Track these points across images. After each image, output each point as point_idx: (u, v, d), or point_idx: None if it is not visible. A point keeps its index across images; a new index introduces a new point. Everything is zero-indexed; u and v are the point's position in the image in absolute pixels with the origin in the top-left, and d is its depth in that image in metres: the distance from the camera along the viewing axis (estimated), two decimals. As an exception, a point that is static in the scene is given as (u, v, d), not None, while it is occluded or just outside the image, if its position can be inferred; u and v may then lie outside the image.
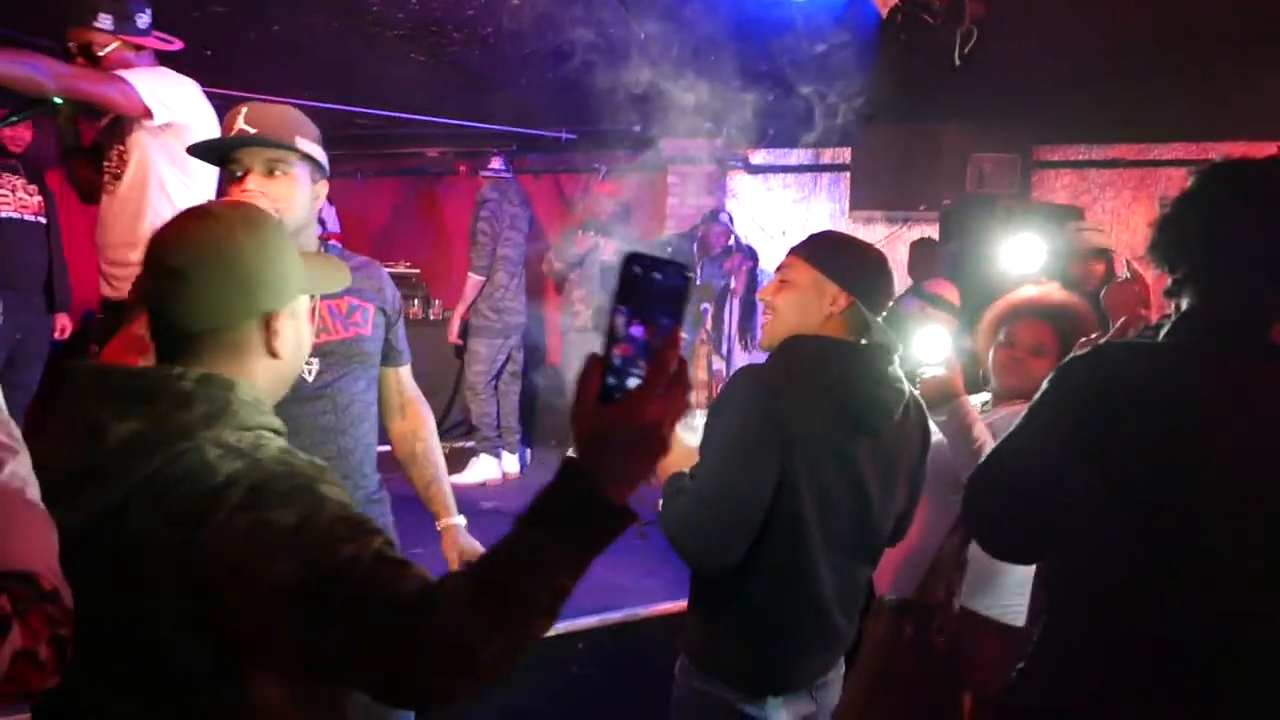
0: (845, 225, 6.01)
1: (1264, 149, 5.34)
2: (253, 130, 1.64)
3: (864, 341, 1.71)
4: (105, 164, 2.68)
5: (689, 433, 1.67)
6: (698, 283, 5.12)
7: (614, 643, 3.23)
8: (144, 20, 2.65)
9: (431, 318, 5.81)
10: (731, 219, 5.35)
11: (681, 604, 3.32)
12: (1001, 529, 1.40)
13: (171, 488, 0.94)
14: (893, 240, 5.95)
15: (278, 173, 1.65)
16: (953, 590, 1.88)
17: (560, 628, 3.18)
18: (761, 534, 1.60)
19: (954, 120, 5.12)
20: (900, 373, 1.74)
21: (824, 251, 1.71)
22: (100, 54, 2.53)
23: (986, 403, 2.28)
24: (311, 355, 1.59)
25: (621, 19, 3.76)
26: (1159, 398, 1.26)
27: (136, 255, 2.73)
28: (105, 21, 2.53)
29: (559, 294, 5.75)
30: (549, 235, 5.89)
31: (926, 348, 2.25)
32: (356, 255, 1.93)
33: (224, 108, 4.79)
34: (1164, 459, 1.23)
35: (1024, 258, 2.82)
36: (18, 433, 0.90)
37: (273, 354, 1.07)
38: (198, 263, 1.02)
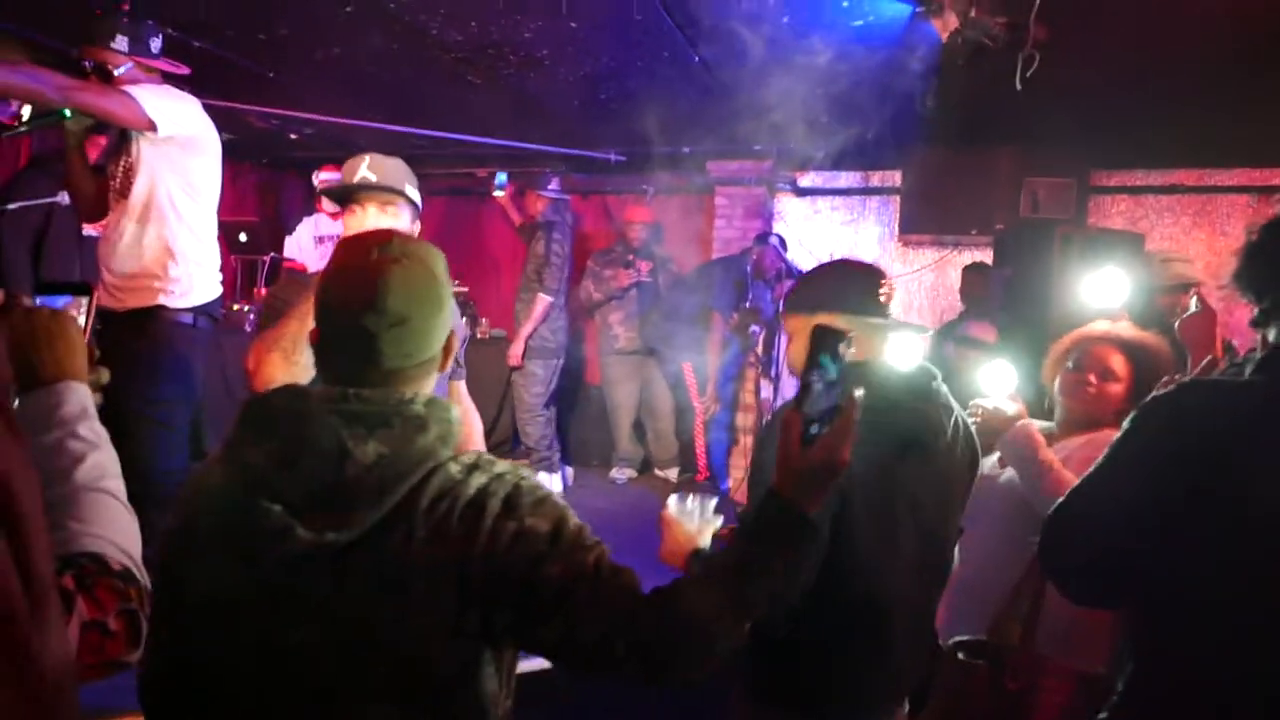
0: (894, 248, 5.97)
1: (1330, 175, 5.21)
2: (374, 177, 2.01)
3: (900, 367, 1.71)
4: (110, 180, 2.75)
5: (685, 517, 1.64)
6: (746, 305, 5.10)
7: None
8: (156, 44, 2.76)
9: (479, 336, 5.86)
10: (783, 242, 5.33)
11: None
12: (1083, 574, 1.35)
13: (432, 505, 1.05)
14: (942, 264, 5.89)
15: (389, 210, 2.04)
16: (1029, 632, 1.82)
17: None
18: (822, 563, 1.57)
19: (1008, 144, 5.06)
20: (945, 390, 1.73)
21: (792, 293, 1.81)
22: (114, 73, 2.62)
23: (1050, 432, 2.23)
24: None
25: (678, 43, 3.77)
26: (1260, 436, 1.22)
27: (141, 267, 2.71)
28: (121, 43, 2.63)
29: (589, 316, 5.80)
30: (591, 255, 5.92)
31: (991, 382, 2.23)
32: None
33: (285, 127, 4.90)
34: (1273, 503, 1.18)
35: (1105, 291, 2.76)
36: (102, 430, 0.98)
37: (444, 369, 1.22)
38: (418, 305, 1.12)
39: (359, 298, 1.09)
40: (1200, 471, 1.21)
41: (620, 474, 5.65)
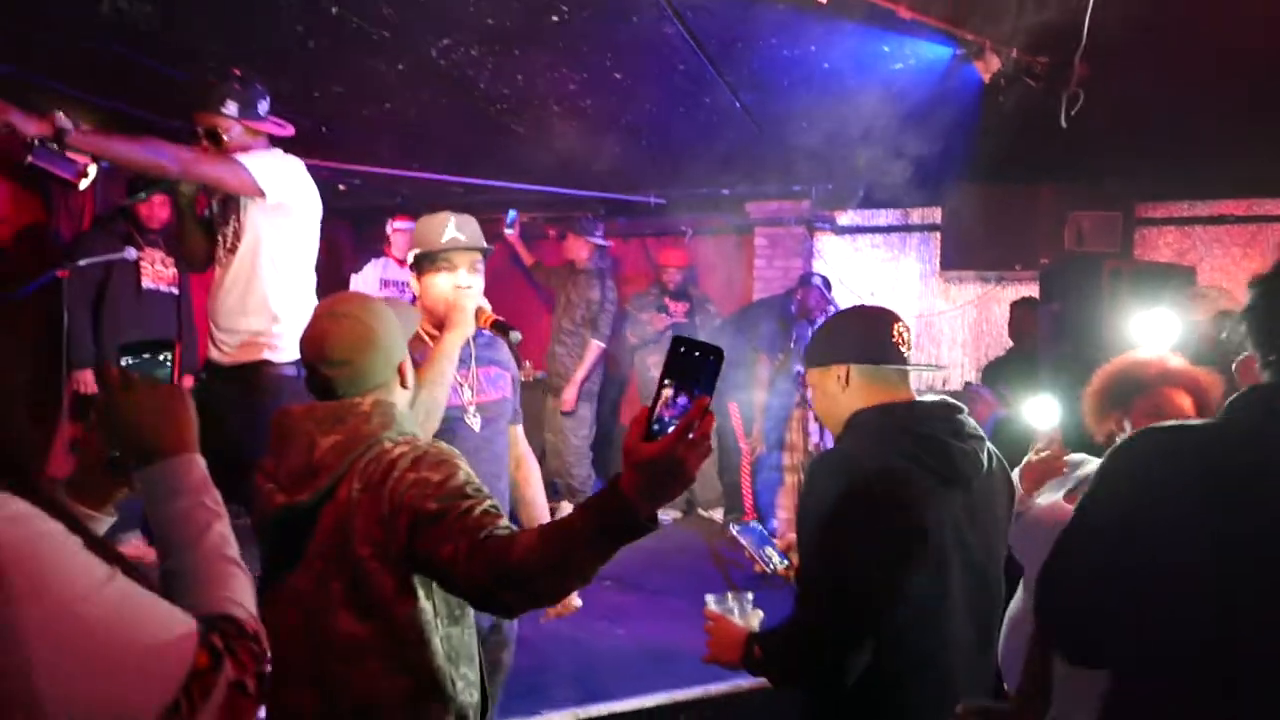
0: (936, 284, 5.94)
1: (1381, 202, 5.11)
2: (463, 237, 2.12)
3: (929, 398, 1.72)
4: (219, 238, 2.85)
5: (728, 614, 1.71)
6: (791, 345, 5.10)
7: (716, 714, 3.17)
8: (264, 106, 2.84)
9: (522, 379, 5.92)
10: (826, 282, 5.33)
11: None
12: (1066, 632, 1.32)
13: (366, 466, 1.43)
14: (986, 300, 5.84)
15: (477, 267, 2.16)
16: (1029, 697, 1.75)
17: (663, 698, 3.15)
18: (884, 612, 1.56)
19: (1050, 178, 5.04)
20: (974, 423, 1.72)
21: (810, 347, 1.83)
22: (224, 137, 2.72)
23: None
24: (475, 412, 2.18)
25: (720, 90, 3.84)
26: (1214, 479, 1.18)
27: (247, 324, 2.89)
28: (231, 108, 2.73)
29: (629, 359, 5.87)
30: (629, 298, 5.98)
31: (1036, 415, 2.22)
32: (484, 332, 2.20)
33: (333, 179, 5.00)
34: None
35: (1156, 331, 2.74)
36: (219, 497, 1.04)
37: (404, 385, 1.60)
38: (357, 352, 1.52)
39: (313, 352, 1.52)
40: (1159, 525, 1.19)
41: (665, 515, 5.64)
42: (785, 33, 3.26)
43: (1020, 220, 5.21)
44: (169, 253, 4.09)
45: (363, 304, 1.57)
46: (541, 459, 5.74)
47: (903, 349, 1.71)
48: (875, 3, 2.90)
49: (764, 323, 5.17)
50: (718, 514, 5.66)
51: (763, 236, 6.05)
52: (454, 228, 2.11)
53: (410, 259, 2.17)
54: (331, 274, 6.38)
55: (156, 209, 3.99)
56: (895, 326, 1.71)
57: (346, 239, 7.03)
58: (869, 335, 1.71)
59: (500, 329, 2.08)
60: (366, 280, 5.69)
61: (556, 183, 5.61)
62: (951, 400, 1.73)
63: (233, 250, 2.79)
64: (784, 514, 5.81)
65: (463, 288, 2.10)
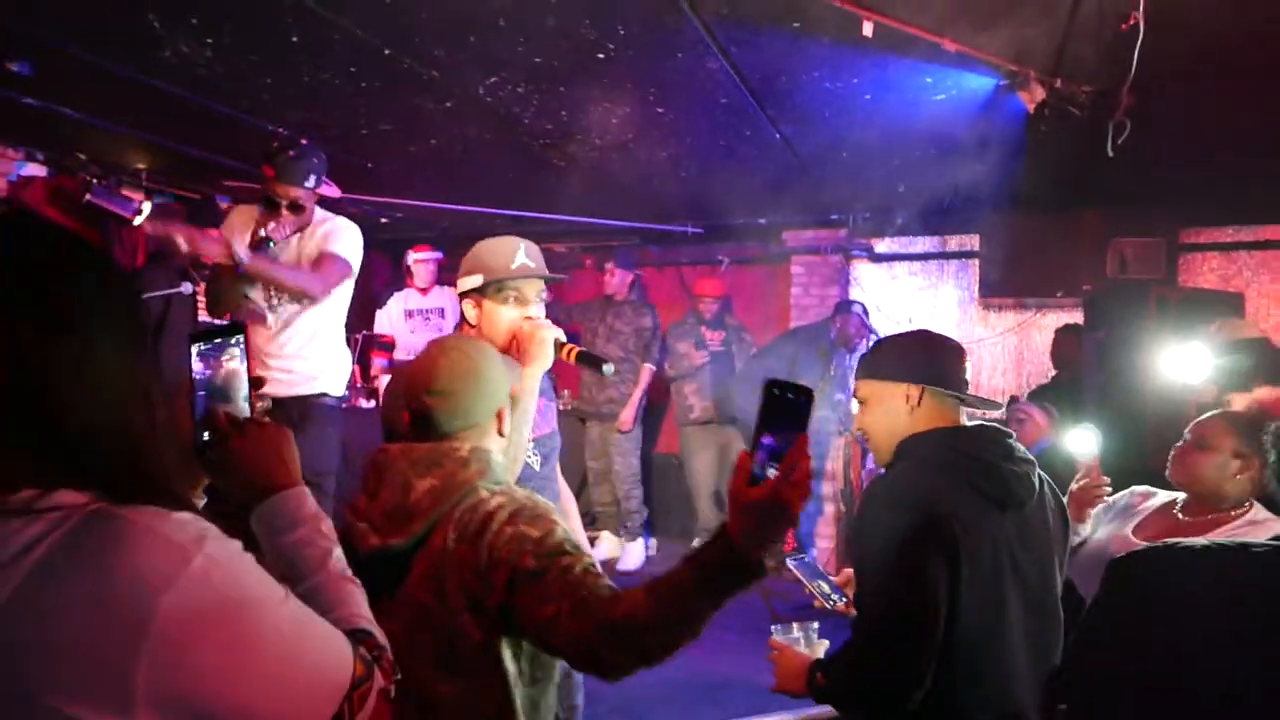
0: (975, 312, 5.92)
1: None
2: (532, 264, 2.02)
3: (972, 423, 1.73)
4: (268, 292, 3.17)
5: (794, 644, 1.74)
6: (831, 373, 5.09)
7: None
8: (324, 172, 3.22)
9: (561, 408, 5.95)
10: (865, 310, 5.33)
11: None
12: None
13: (462, 517, 1.41)
14: (1025, 327, 5.80)
15: (544, 296, 2.08)
16: None
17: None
18: (944, 639, 1.56)
19: (1092, 205, 5.02)
20: (1023, 447, 1.72)
21: (874, 360, 1.79)
22: (304, 206, 3.10)
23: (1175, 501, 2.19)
24: (534, 449, 2.12)
25: (760, 122, 3.88)
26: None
27: (303, 364, 3.24)
28: (311, 181, 3.10)
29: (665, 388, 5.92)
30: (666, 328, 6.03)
31: (1076, 444, 2.23)
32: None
33: (374, 213, 5.13)
34: None
35: (1190, 365, 2.74)
36: (332, 525, 1.11)
37: (500, 434, 1.56)
38: (460, 383, 1.50)
39: (417, 381, 1.51)
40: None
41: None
42: (828, 66, 3.28)
43: (1061, 246, 5.19)
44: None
45: (473, 344, 1.58)
46: (581, 488, 5.79)
47: (967, 383, 1.73)
48: (921, 35, 2.91)
49: (803, 351, 5.17)
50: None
51: (799, 265, 6.06)
52: (523, 254, 2.00)
53: (470, 285, 2.01)
54: (368, 305, 6.49)
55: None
56: (966, 358, 1.74)
57: (383, 271, 7.14)
58: (946, 361, 1.73)
59: (589, 361, 1.98)
60: (391, 314, 5.77)
61: (594, 214, 5.67)
62: (1001, 426, 1.74)
63: (296, 301, 3.13)
64: (823, 543, 5.76)
65: (533, 319, 2.00)
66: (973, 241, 5.77)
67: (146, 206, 4.50)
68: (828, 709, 1.74)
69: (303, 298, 3.11)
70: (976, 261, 5.72)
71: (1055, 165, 4.07)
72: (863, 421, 1.80)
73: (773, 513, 1.09)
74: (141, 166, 4.87)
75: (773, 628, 1.76)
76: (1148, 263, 4.90)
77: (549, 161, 4.54)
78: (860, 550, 1.71)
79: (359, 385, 5.05)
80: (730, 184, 4.98)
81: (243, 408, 1.10)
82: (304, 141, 3.14)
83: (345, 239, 3.18)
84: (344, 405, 3.41)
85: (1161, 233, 4.97)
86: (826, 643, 1.74)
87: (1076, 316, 5.15)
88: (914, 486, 1.64)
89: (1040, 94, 3.25)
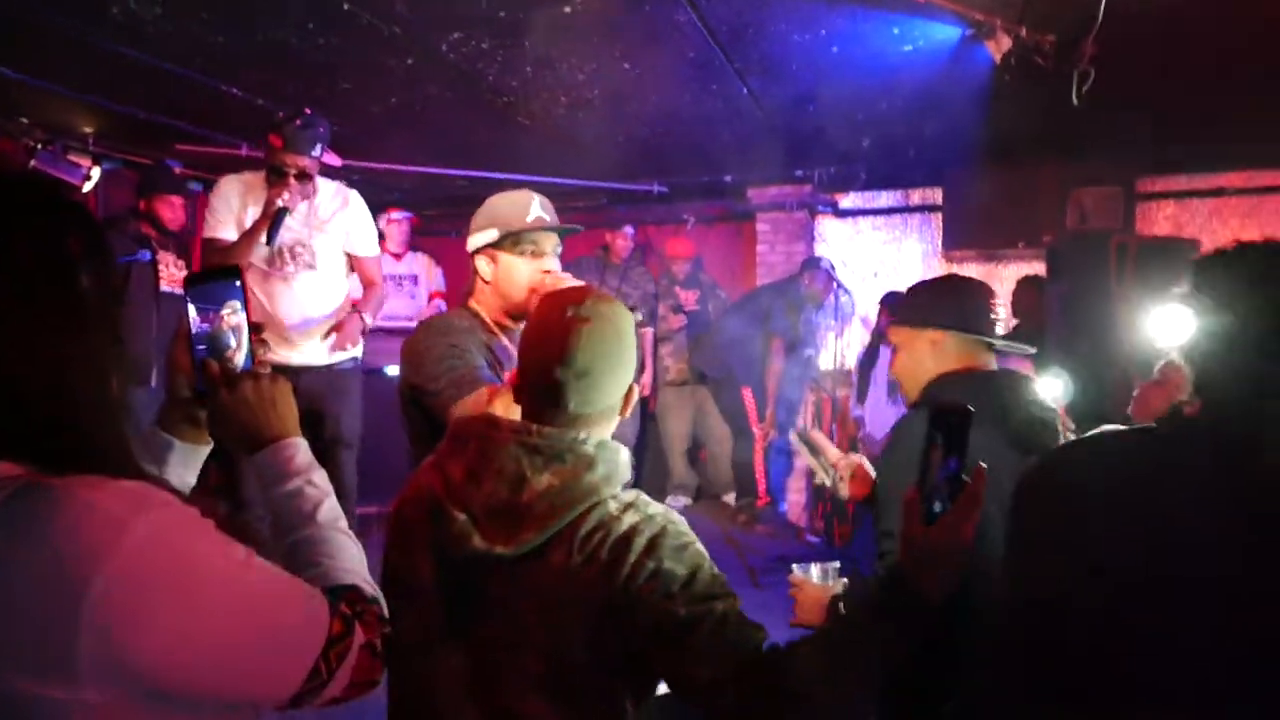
0: (938, 265, 5.99)
1: (1377, 171, 5.18)
2: (548, 217, 1.92)
3: (992, 365, 1.76)
4: (281, 252, 3.21)
5: (814, 580, 1.76)
6: (801, 329, 5.14)
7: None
8: (328, 141, 3.28)
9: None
10: (832, 266, 5.37)
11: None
12: None
13: (589, 535, 1.18)
14: (988, 278, 5.84)
15: (559, 250, 1.96)
16: None
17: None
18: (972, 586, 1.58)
19: (1051, 156, 5.08)
20: (1044, 396, 1.76)
21: (904, 307, 1.83)
22: (310, 174, 3.13)
23: None
24: None
25: (728, 77, 3.85)
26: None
27: (323, 328, 3.36)
28: (317, 150, 3.14)
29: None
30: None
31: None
32: None
33: (336, 176, 5.05)
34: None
35: (1169, 326, 2.79)
36: (325, 475, 1.09)
37: (623, 415, 1.32)
38: (601, 360, 1.25)
39: (553, 352, 1.23)
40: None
41: (675, 501, 5.68)
42: (796, 17, 3.26)
43: (1022, 198, 5.26)
44: (180, 255, 4.08)
45: (611, 305, 1.29)
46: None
47: (996, 324, 1.77)
48: (889, -14, 2.91)
49: (774, 307, 5.20)
50: (730, 498, 5.70)
51: (765, 222, 6.07)
52: (538, 207, 1.91)
53: (485, 240, 1.91)
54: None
55: (177, 210, 4.00)
56: (992, 301, 1.77)
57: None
58: (970, 304, 1.76)
59: None
60: None
61: (558, 173, 5.61)
62: (1025, 374, 1.77)
63: (311, 266, 3.25)
64: (794, 496, 5.86)
65: (556, 274, 1.90)
66: (935, 195, 5.82)
67: (95, 172, 4.37)
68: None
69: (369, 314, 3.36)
70: (939, 215, 5.78)
71: (1018, 117, 4.11)
72: (896, 366, 1.84)
73: (951, 549, 1.00)
74: (88, 130, 4.69)
75: (794, 565, 1.79)
76: (1106, 212, 4.99)
77: (513, 120, 4.47)
78: (883, 486, 1.74)
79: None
80: (696, 141, 4.95)
81: (243, 354, 1.07)
82: (308, 111, 3.14)
83: (370, 228, 3.39)
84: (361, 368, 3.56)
85: (1118, 182, 5.06)
86: (845, 580, 1.77)
87: (1039, 267, 5.24)
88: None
89: (1007, 44, 3.27)
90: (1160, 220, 5.51)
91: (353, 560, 1.03)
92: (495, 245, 1.90)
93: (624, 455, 1.26)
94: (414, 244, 5.70)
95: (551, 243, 1.92)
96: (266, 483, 1.04)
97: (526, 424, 1.24)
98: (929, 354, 1.75)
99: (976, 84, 3.77)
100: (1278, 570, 1.03)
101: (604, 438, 1.26)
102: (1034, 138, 4.73)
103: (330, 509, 1.05)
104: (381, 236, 5.56)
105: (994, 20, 3.21)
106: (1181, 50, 3.65)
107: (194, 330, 1.06)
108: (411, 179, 5.75)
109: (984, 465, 1.00)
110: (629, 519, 1.19)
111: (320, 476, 1.07)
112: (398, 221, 5.54)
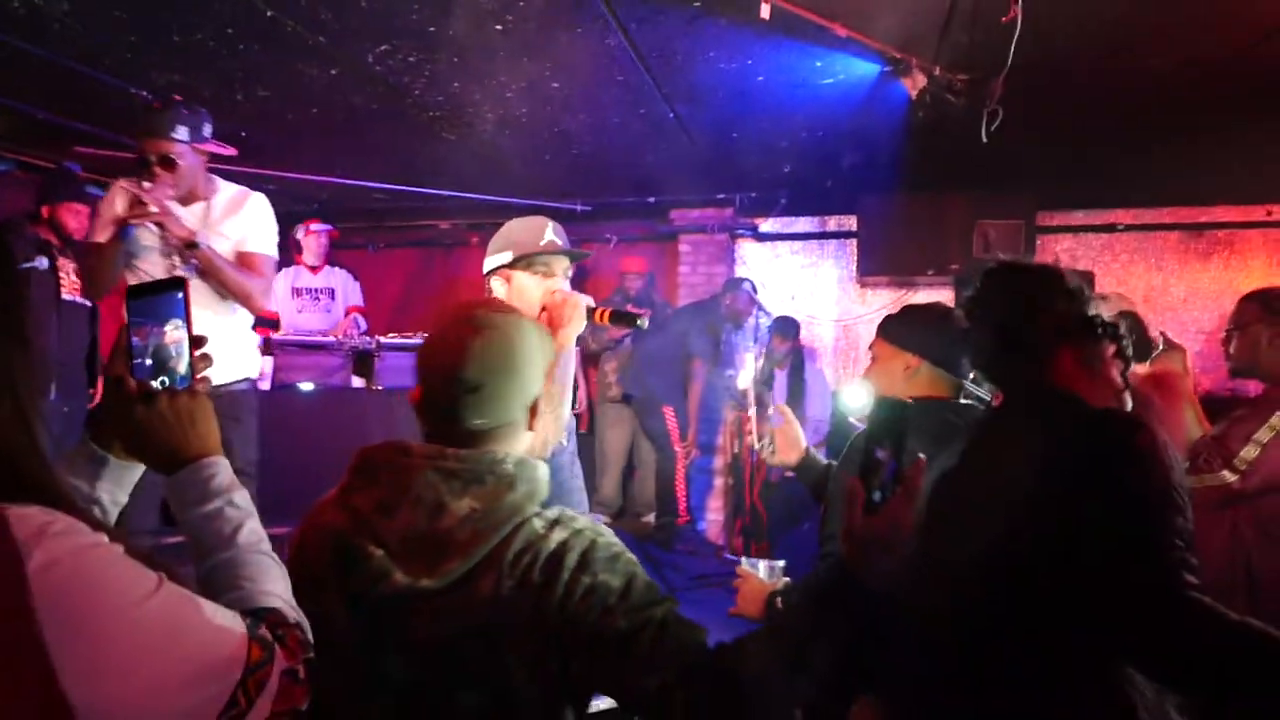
0: (853, 290, 6.18)
1: (1250, 212, 5.61)
2: (560, 242, 2.00)
3: (958, 396, 1.86)
4: (174, 260, 2.83)
5: (754, 571, 1.83)
6: (721, 350, 5.21)
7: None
8: (208, 129, 2.85)
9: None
10: (754, 287, 5.47)
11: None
12: None
13: (518, 557, 1.14)
14: (900, 304, 6.10)
15: (570, 274, 2.02)
16: None
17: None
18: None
19: (960, 189, 5.33)
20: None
21: (892, 325, 1.93)
22: (179, 162, 2.72)
23: None
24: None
25: (655, 101, 3.90)
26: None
27: (220, 346, 3.04)
28: (181, 133, 2.73)
29: (591, 365, 5.87)
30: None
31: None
32: None
33: (249, 183, 4.90)
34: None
35: None
36: (247, 496, 1.04)
37: (531, 429, 1.27)
38: (493, 375, 1.20)
39: (443, 364, 1.20)
40: None
41: (598, 517, 5.66)
42: (724, 46, 3.34)
43: (932, 228, 5.49)
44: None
45: (506, 315, 1.26)
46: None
47: (968, 367, 1.87)
48: (814, 20, 3.01)
49: (694, 328, 5.26)
50: (651, 517, 5.72)
51: (687, 243, 6.16)
52: (551, 232, 2.01)
53: (500, 261, 2.00)
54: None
55: (82, 218, 3.78)
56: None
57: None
58: (950, 342, 1.84)
59: (624, 319, 1.97)
60: (277, 291, 5.45)
61: (482, 190, 5.57)
62: (972, 403, 1.89)
63: (202, 275, 2.80)
64: (713, 515, 5.92)
65: (565, 292, 1.98)
66: (851, 222, 6.01)
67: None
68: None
69: (242, 302, 2.81)
70: (855, 241, 5.97)
71: (930, 150, 4.29)
72: (870, 375, 1.94)
73: (892, 542, 1.03)
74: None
75: (742, 559, 1.87)
76: (1009, 243, 5.25)
77: (438, 134, 4.42)
78: (834, 494, 1.83)
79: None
80: (622, 162, 5.00)
81: (183, 367, 1.03)
82: (175, 97, 2.85)
83: (268, 228, 2.95)
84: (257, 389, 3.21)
85: (1021, 215, 5.34)
86: (788, 580, 1.83)
87: (946, 294, 5.46)
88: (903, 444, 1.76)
89: (922, 81, 3.42)
90: (1059, 252, 5.83)
91: (275, 583, 0.98)
92: (509, 266, 1.99)
93: (543, 471, 1.23)
94: (332, 258, 5.55)
95: (563, 265, 2.00)
96: (185, 504, 0.99)
97: (439, 448, 1.19)
98: (902, 375, 1.86)
99: (893, 118, 3.94)
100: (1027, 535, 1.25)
101: (522, 455, 1.23)
102: (944, 171, 4.96)
103: (252, 531, 1.00)
104: (298, 249, 5.41)
105: (910, 59, 3.36)
106: (1079, 97, 3.90)
107: (134, 344, 1.02)
108: (330, 190, 5.62)
109: (923, 457, 1.05)
110: (557, 536, 1.16)
111: (242, 496, 1.02)
112: (316, 234, 5.36)
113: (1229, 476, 2.20)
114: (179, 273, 2.75)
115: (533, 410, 1.26)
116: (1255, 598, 2.15)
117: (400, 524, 1.15)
